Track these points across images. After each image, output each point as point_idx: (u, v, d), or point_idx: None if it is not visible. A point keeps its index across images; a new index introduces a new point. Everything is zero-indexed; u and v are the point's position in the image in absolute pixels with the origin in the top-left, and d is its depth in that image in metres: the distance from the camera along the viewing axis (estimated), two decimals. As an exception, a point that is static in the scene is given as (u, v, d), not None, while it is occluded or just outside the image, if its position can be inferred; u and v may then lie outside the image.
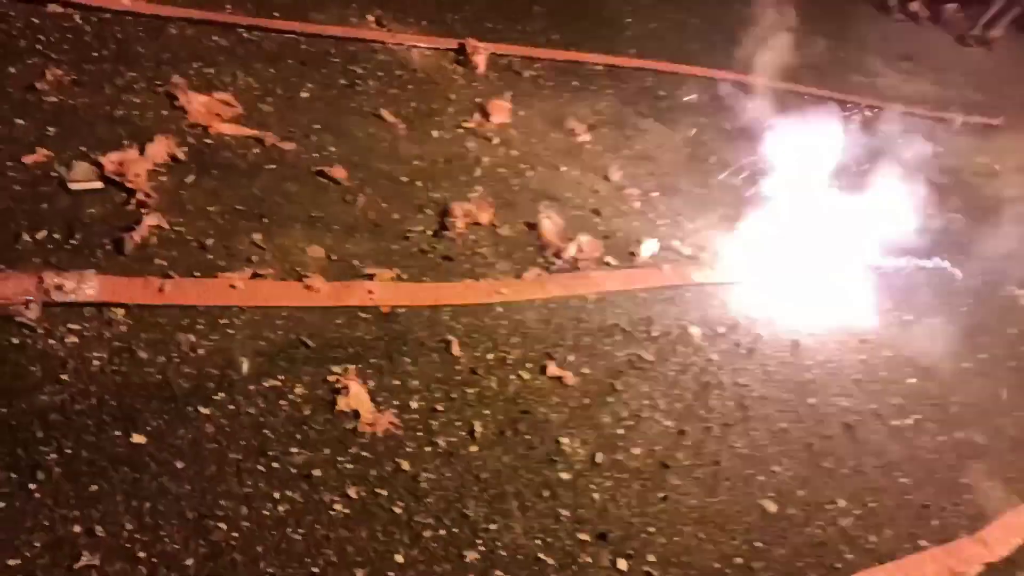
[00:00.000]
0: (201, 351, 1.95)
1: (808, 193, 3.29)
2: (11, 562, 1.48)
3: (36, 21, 2.67)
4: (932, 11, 6.49)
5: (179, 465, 1.72)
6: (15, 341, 1.81)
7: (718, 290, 2.84)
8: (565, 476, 2.03)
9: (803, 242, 3.10)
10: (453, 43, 3.56)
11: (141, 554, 1.56)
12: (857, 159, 3.72)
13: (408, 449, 1.95)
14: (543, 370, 2.27)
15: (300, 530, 1.71)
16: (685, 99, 3.99)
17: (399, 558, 1.74)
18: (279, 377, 1.97)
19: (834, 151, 3.48)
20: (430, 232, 2.60)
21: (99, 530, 1.57)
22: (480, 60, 3.53)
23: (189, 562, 1.58)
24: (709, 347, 2.58)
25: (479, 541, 1.82)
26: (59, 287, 1.90)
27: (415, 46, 3.47)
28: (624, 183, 3.20)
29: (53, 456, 1.64)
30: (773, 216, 3.19)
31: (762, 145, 3.51)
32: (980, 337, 3.12)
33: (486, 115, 3.23)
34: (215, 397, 1.87)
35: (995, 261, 3.49)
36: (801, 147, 3.40)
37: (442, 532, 1.81)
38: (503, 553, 1.82)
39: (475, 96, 3.33)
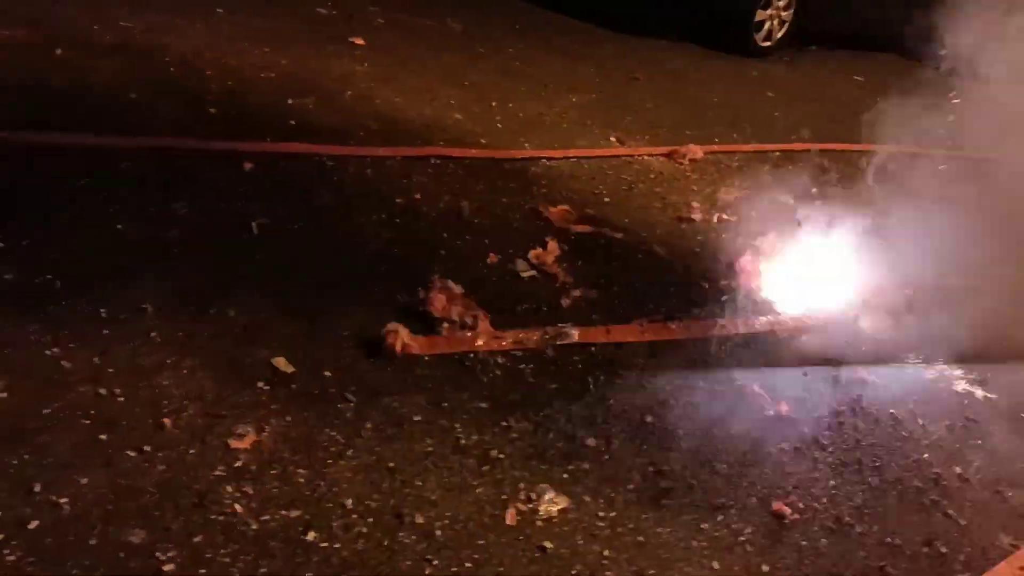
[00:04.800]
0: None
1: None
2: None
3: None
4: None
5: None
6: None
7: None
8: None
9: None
10: (673, 148, 4.65)
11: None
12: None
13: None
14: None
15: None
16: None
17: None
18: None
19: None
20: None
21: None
22: (698, 157, 4.62)
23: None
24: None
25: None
26: (559, 335, 2.91)
27: (651, 155, 4.57)
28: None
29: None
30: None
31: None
32: None
33: (723, 198, 4.27)
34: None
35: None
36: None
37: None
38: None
39: (708, 185, 4.40)
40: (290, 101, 4.02)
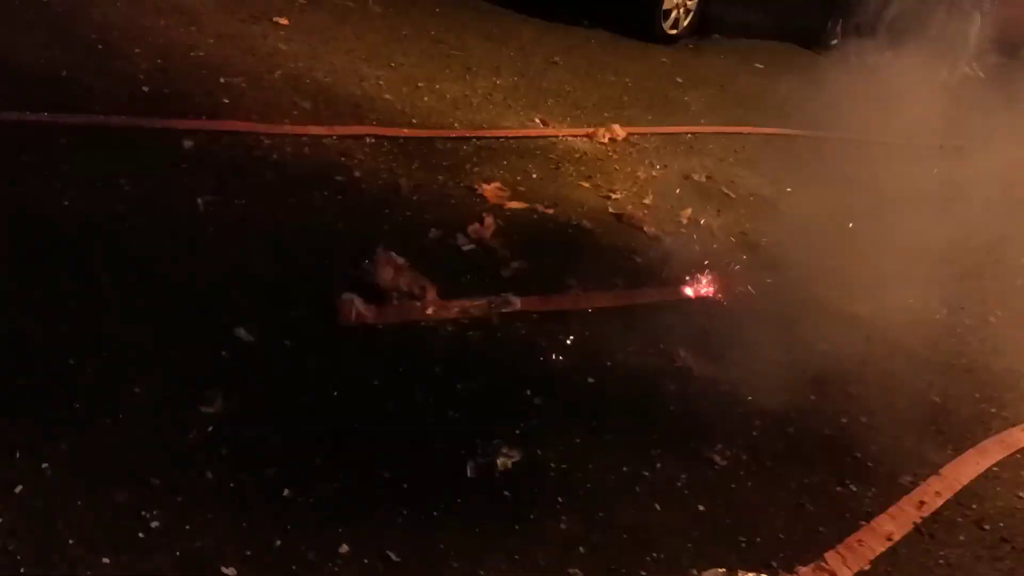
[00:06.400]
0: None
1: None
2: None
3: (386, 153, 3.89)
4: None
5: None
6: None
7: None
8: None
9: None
10: (595, 130, 4.88)
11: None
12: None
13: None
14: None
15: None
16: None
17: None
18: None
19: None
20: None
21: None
22: (620, 138, 4.86)
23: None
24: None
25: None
26: (502, 304, 3.08)
27: (574, 135, 4.78)
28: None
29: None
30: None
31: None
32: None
33: (643, 176, 4.53)
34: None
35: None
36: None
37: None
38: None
39: (628, 164, 4.64)
40: (222, 80, 4.02)
